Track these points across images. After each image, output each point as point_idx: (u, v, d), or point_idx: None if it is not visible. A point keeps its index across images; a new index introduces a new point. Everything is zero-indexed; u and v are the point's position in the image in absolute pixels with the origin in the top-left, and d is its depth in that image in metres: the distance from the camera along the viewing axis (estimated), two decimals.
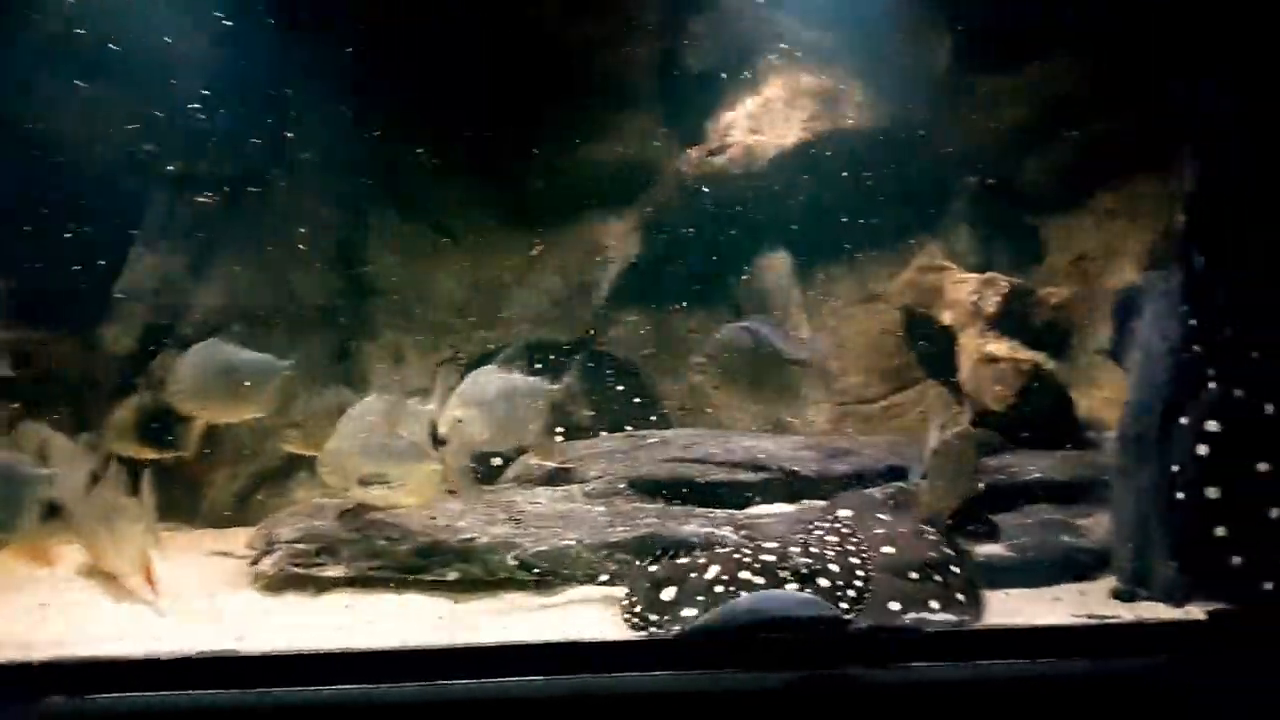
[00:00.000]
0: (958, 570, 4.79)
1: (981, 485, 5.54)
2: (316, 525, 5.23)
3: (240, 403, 5.47)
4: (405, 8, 6.62)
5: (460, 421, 4.91)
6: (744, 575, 4.53)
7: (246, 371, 5.39)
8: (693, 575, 4.61)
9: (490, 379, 5.12)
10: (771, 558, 4.63)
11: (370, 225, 7.18)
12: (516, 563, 5.00)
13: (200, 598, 4.99)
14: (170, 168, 6.60)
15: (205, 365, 5.38)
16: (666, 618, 4.42)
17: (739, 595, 4.40)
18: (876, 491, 5.65)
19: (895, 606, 4.49)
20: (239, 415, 5.63)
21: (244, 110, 6.49)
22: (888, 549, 4.88)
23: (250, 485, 6.70)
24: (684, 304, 7.44)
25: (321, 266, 6.95)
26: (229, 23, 6.22)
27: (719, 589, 4.49)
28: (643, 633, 4.41)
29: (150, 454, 5.99)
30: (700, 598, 4.46)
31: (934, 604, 4.54)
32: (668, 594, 4.53)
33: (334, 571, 5.05)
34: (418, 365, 7.05)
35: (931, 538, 5.04)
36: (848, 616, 4.34)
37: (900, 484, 5.68)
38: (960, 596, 4.61)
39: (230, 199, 6.69)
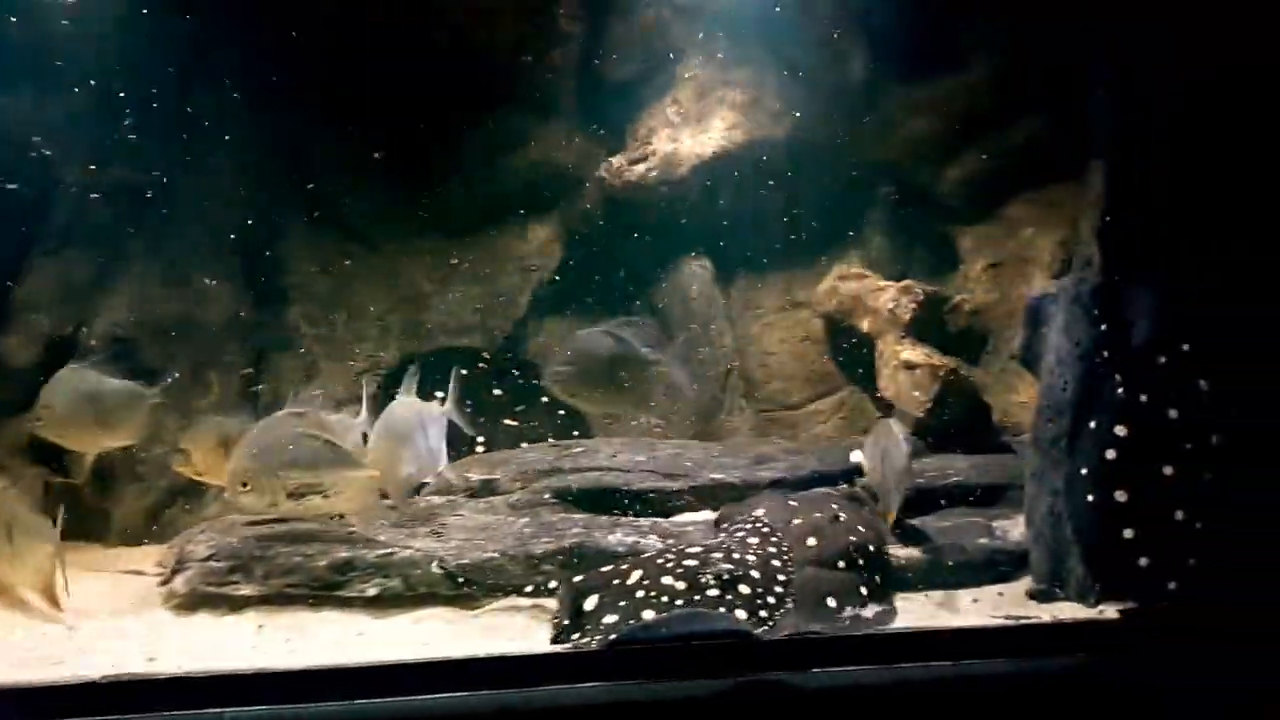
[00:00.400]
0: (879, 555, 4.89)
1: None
2: (230, 542, 5.08)
3: (106, 432, 5.33)
4: (322, 15, 6.51)
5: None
6: (666, 580, 4.52)
7: (113, 400, 5.26)
8: (615, 581, 4.58)
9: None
10: (694, 562, 4.62)
11: (285, 234, 7.03)
12: (441, 571, 4.92)
13: (109, 618, 4.83)
14: (74, 172, 6.39)
15: (70, 393, 5.23)
16: (588, 626, 4.38)
17: (660, 600, 4.39)
18: (819, 492, 5.71)
19: (831, 603, 4.55)
20: (105, 445, 5.49)
21: (152, 116, 6.31)
22: (811, 540, 4.92)
23: (162, 501, 6.50)
24: (606, 313, 7.42)
25: (234, 275, 6.79)
26: (138, 25, 6.05)
27: (640, 594, 4.46)
28: (565, 645, 4.36)
29: (41, 477, 5.79)
30: (622, 604, 4.44)
31: (863, 590, 4.63)
32: (590, 602, 4.50)
33: (248, 590, 4.92)
34: (333, 376, 6.93)
35: (852, 526, 5.11)
36: (760, 629, 4.34)
37: (844, 485, 5.75)
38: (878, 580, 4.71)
39: (138, 206, 6.50)
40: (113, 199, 6.48)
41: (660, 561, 4.69)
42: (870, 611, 4.64)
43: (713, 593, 4.45)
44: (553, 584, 4.80)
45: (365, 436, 5.15)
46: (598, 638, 4.28)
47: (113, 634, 4.64)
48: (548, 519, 5.47)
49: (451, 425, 5.36)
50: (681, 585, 4.49)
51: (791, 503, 5.46)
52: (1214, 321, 4.67)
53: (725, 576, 4.52)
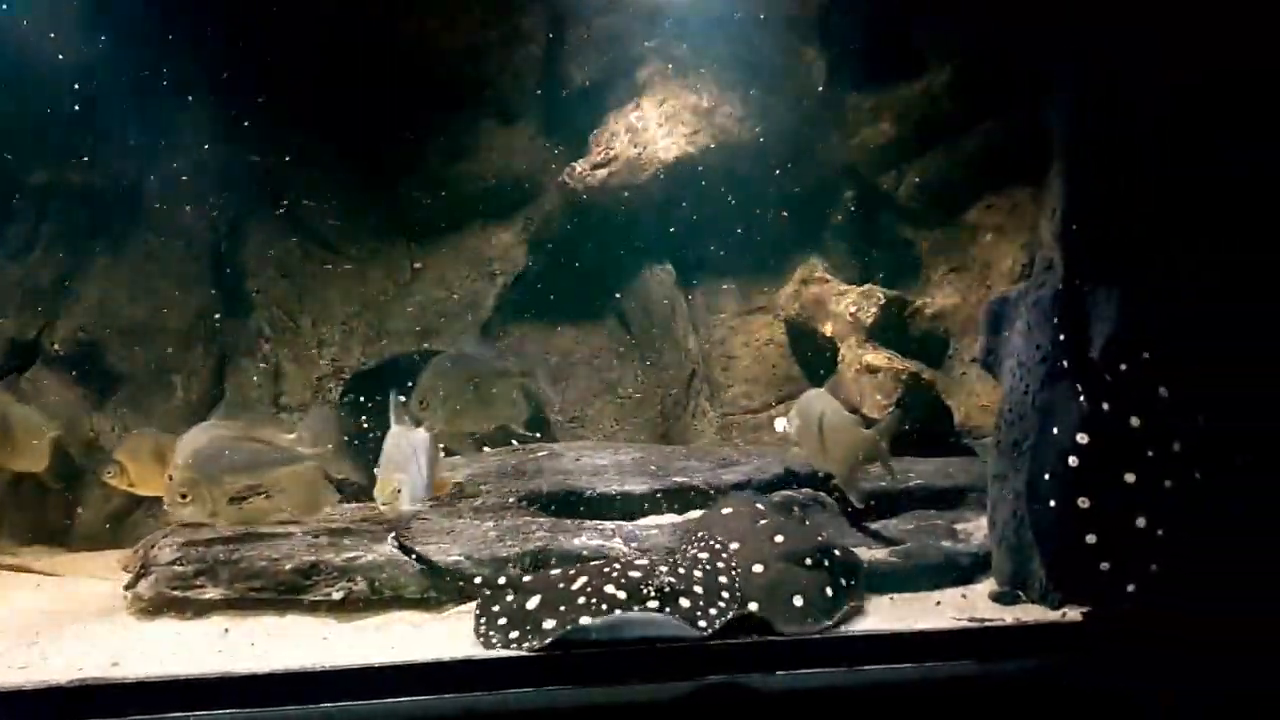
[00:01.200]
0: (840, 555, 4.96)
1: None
2: (195, 546, 5.04)
3: (13, 456, 5.33)
4: (284, 18, 6.47)
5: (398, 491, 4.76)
6: (609, 589, 4.54)
7: (19, 426, 5.30)
8: (560, 586, 4.61)
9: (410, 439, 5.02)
10: (638, 574, 4.66)
11: (249, 238, 6.98)
12: (414, 569, 4.90)
13: (72, 622, 4.77)
14: (37, 175, 6.31)
15: None
16: (528, 627, 4.39)
17: (600, 608, 4.42)
18: (777, 495, 5.75)
19: (798, 602, 4.59)
20: (12, 466, 5.51)
21: (115, 119, 6.24)
22: (779, 538, 4.98)
23: (126, 505, 6.42)
24: (569, 317, 7.44)
25: (198, 279, 6.72)
26: (101, 27, 5.99)
27: (582, 600, 4.49)
28: (502, 643, 4.38)
29: None
30: (562, 608, 4.46)
31: (828, 590, 4.69)
32: (532, 603, 4.52)
33: (213, 594, 4.87)
34: (296, 380, 6.88)
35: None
36: (702, 632, 4.36)
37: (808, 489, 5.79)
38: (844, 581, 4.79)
39: (101, 209, 6.43)
40: (76, 202, 6.40)
41: (605, 570, 4.72)
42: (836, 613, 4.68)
43: (652, 604, 4.47)
44: (487, 591, 4.78)
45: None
46: (537, 641, 4.31)
47: (76, 638, 4.58)
48: (513, 522, 5.46)
49: None
50: (623, 595, 4.51)
51: (758, 505, 5.50)
52: (1175, 326, 4.73)
53: (667, 590, 4.55)
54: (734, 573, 4.77)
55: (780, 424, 5.89)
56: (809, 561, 4.85)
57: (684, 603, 4.50)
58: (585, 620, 4.35)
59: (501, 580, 4.78)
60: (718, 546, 4.99)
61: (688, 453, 6.50)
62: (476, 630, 4.50)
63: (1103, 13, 4.76)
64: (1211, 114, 4.68)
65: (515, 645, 4.34)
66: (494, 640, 4.41)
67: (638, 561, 4.81)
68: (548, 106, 7.29)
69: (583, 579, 4.63)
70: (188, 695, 3.94)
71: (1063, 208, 4.95)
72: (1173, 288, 4.75)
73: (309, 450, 5.01)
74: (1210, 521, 4.57)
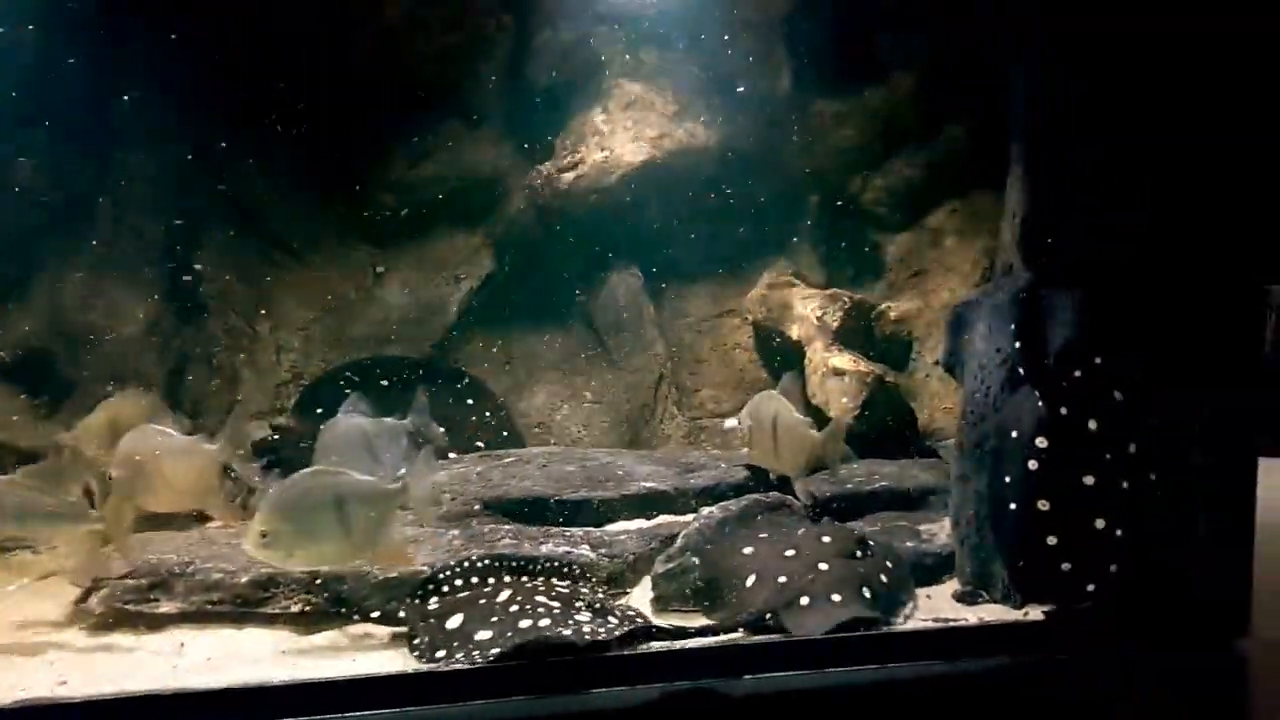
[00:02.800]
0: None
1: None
2: (149, 559, 4.94)
3: None
4: (246, 22, 6.39)
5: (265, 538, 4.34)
6: (540, 599, 4.52)
7: None
8: (482, 601, 4.56)
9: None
10: (565, 587, 4.64)
11: (206, 243, 6.88)
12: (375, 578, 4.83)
13: (18, 636, 4.66)
14: None
15: None
16: (455, 643, 4.33)
17: (537, 615, 4.39)
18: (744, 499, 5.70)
19: (837, 597, 4.60)
20: None
21: (69, 124, 6.13)
22: (825, 538, 5.05)
23: None
24: (536, 321, 7.40)
25: (153, 285, 6.62)
26: (54, 30, 5.88)
27: (514, 609, 4.45)
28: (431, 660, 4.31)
29: None
30: (495, 619, 4.40)
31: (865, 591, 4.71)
32: (453, 622, 4.45)
33: (168, 607, 4.77)
34: (255, 387, 6.80)
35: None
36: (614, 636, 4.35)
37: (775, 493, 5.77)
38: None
39: (54, 214, 6.31)
40: (27, 207, 6.28)
41: (531, 585, 4.68)
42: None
43: (584, 616, 4.45)
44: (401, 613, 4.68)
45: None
46: (475, 652, 4.24)
47: (22, 654, 4.47)
48: (477, 530, 5.40)
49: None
50: (557, 605, 4.49)
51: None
52: (1128, 330, 4.78)
53: (597, 605, 4.55)
54: None
55: (730, 423, 5.96)
56: (859, 554, 4.91)
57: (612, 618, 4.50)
58: (525, 625, 4.30)
59: (402, 613, 4.65)
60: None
61: (655, 458, 6.48)
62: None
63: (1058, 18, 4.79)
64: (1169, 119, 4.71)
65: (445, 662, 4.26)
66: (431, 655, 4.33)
67: (558, 584, 4.78)
68: (513, 110, 7.25)
69: (507, 591, 4.59)
70: (141, 714, 3.87)
71: (1022, 213, 4.98)
72: (1126, 292, 4.77)
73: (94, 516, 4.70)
74: (1167, 519, 4.65)
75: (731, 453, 6.67)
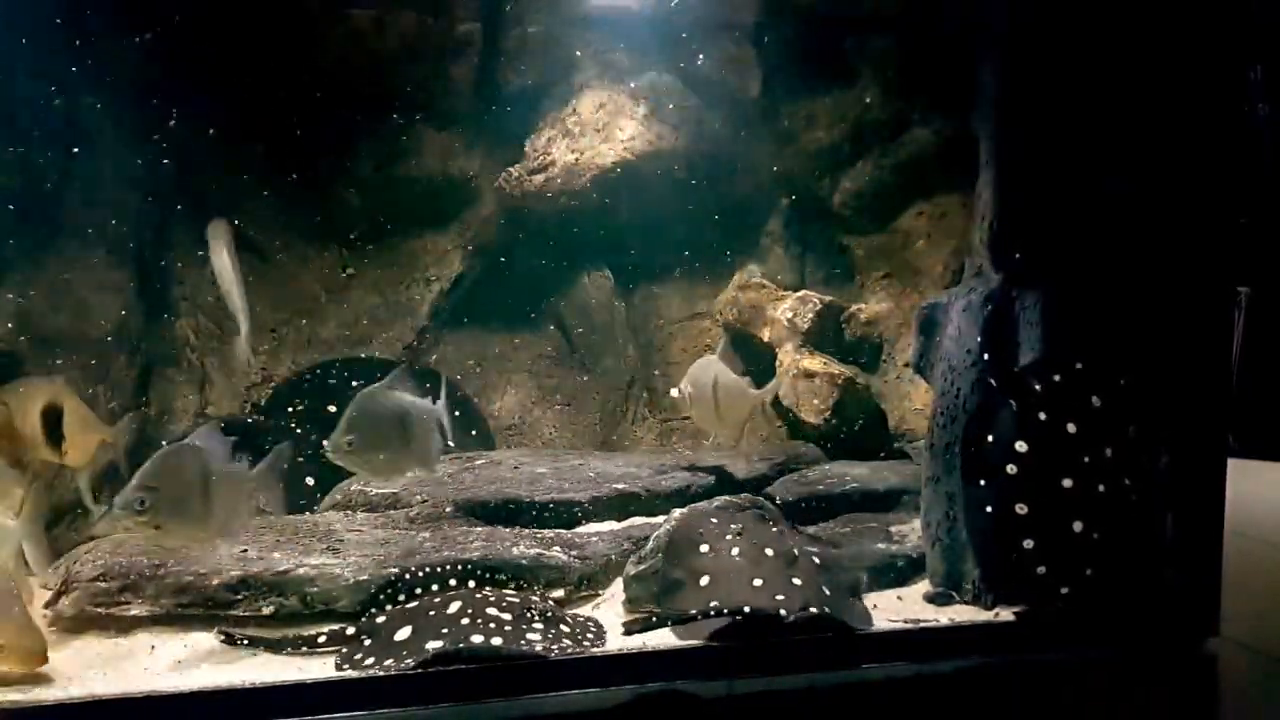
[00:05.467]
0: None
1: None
2: (119, 561, 4.88)
3: None
4: (213, 21, 6.33)
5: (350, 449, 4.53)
6: (491, 611, 4.51)
7: None
8: (431, 613, 4.54)
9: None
10: (516, 599, 4.65)
11: (175, 244, 6.81)
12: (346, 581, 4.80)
13: None
14: None
15: None
16: (404, 653, 4.30)
17: (488, 628, 4.39)
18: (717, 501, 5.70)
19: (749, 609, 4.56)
20: None
21: (34, 121, 6.04)
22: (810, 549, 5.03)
23: (47, 521, 6.19)
24: (507, 323, 7.39)
25: (121, 286, 6.53)
26: (16, 26, 5.79)
27: (465, 620, 4.44)
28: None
29: None
30: (445, 630, 4.39)
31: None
32: (402, 634, 4.42)
33: (139, 610, 4.72)
34: (225, 389, 6.74)
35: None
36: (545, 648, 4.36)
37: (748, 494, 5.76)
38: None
39: (19, 214, 6.21)
40: None
41: (480, 595, 4.68)
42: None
43: (537, 625, 4.47)
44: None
45: None
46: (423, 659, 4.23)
47: None
48: (449, 532, 5.39)
49: None
50: (508, 616, 4.49)
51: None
52: (1102, 329, 4.82)
53: (549, 614, 4.56)
54: None
55: (675, 391, 6.09)
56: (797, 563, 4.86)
57: (564, 628, 4.52)
58: (477, 640, 4.30)
59: (351, 630, 4.60)
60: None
61: (627, 460, 6.49)
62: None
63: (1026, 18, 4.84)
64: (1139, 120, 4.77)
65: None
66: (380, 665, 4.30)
67: (507, 594, 4.78)
68: (483, 111, 7.23)
69: (458, 604, 4.57)
70: (112, 717, 3.83)
71: (991, 215, 5.02)
72: (1102, 295, 4.81)
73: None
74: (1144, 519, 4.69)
75: (703, 454, 6.71)
